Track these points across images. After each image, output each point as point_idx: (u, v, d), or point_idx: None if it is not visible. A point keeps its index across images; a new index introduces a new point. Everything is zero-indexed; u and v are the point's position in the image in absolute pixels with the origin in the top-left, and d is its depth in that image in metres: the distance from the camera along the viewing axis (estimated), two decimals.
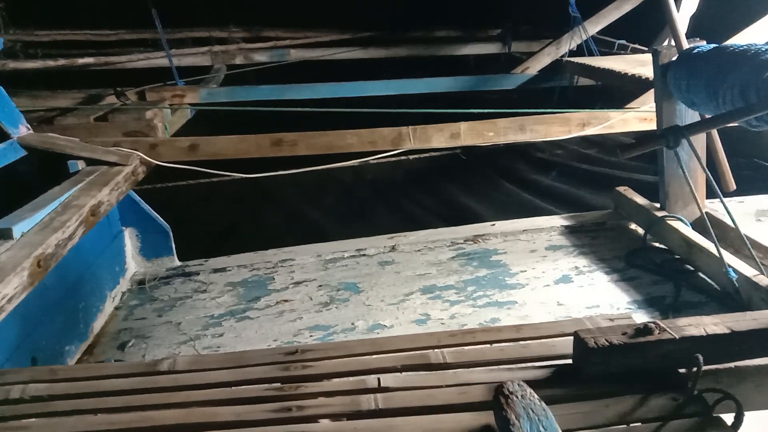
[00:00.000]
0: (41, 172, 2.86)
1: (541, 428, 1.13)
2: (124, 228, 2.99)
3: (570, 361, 1.48)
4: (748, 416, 1.27)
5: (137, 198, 3.02)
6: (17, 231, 2.09)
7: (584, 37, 5.64)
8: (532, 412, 1.14)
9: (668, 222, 2.76)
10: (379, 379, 1.47)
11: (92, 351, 2.40)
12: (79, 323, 2.41)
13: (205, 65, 6.34)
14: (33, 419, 1.43)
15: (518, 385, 1.18)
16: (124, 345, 2.39)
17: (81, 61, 5.83)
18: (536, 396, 1.16)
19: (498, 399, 1.17)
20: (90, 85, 5.13)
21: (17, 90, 4.25)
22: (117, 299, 2.74)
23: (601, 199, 4.24)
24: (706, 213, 2.51)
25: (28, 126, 2.91)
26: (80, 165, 2.86)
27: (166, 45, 5.60)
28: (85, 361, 2.33)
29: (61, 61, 5.74)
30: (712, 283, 2.48)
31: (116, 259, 2.87)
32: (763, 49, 2.16)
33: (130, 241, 3.00)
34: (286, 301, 2.62)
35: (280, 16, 7.04)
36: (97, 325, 2.53)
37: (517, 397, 1.16)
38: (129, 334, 2.47)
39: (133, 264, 3.01)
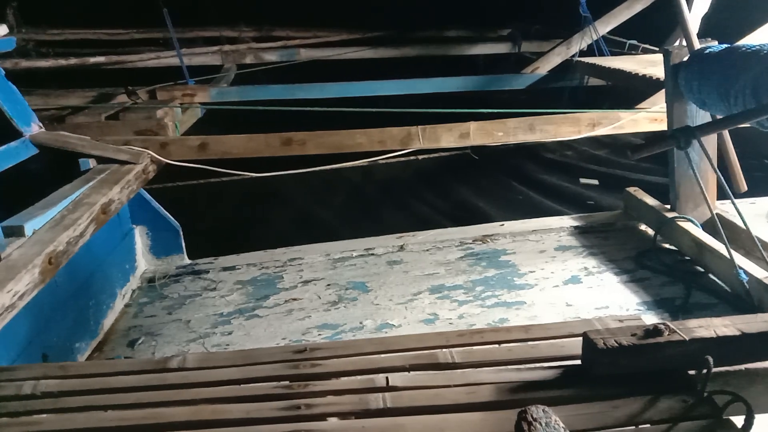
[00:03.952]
0: (53, 170, 2.88)
1: None
2: (134, 226, 3.00)
3: (579, 362, 1.48)
4: (759, 419, 1.26)
5: (148, 196, 3.04)
6: (29, 228, 2.11)
7: (595, 37, 5.62)
8: None
9: (678, 223, 2.75)
10: (387, 378, 1.47)
11: (102, 348, 2.42)
12: (89, 320, 2.43)
13: (215, 65, 6.36)
14: (44, 415, 1.44)
15: (543, 411, 1.15)
16: (134, 342, 2.41)
17: (92, 60, 5.86)
18: (561, 424, 1.13)
19: (520, 425, 1.15)
20: (101, 84, 5.17)
21: (30, 89, 4.29)
22: (127, 297, 2.76)
23: (611, 200, 4.23)
24: (717, 214, 2.50)
25: (40, 124, 2.94)
26: (91, 163, 2.88)
27: (176, 44, 5.63)
28: (95, 358, 2.35)
29: (73, 60, 5.78)
30: (723, 284, 2.46)
31: (127, 257, 2.88)
32: None
33: (140, 239, 3.02)
34: (294, 299, 2.63)
35: (291, 16, 7.05)
36: (108, 322, 2.55)
37: (540, 424, 1.13)
38: (139, 332, 2.48)
39: (144, 262, 3.02)
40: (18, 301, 1.79)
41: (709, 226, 2.66)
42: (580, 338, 1.46)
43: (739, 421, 1.26)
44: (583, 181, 4.94)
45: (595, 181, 4.92)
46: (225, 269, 2.95)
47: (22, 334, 2.00)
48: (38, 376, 1.58)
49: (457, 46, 7.07)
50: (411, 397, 1.41)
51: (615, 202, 3.89)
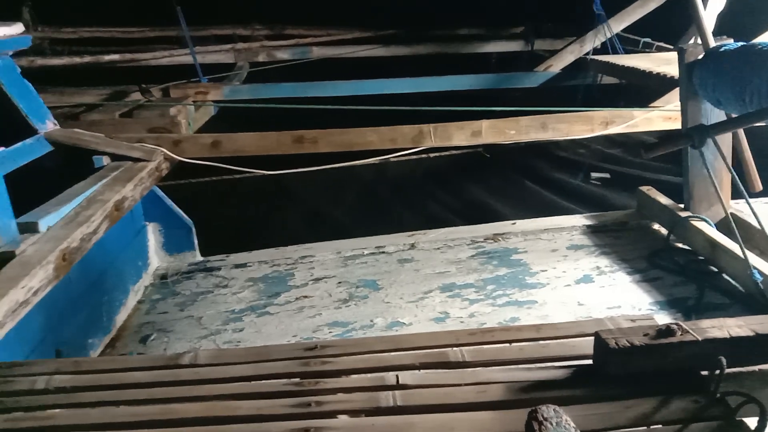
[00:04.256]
0: (67, 167, 2.91)
1: None
2: (147, 223, 3.02)
3: (590, 361, 1.47)
4: None
5: (161, 193, 3.06)
6: (43, 225, 2.13)
7: (608, 35, 5.57)
8: None
9: (692, 222, 2.73)
10: (397, 376, 1.47)
11: (115, 344, 2.43)
12: (102, 316, 2.45)
13: (228, 63, 6.38)
14: (57, 410, 1.46)
15: (554, 410, 1.15)
16: (146, 338, 2.42)
17: (107, 57, 5.89)
18: (572, 423, 1.13)
19: (531, 425, 1.15)
20: (115, 82, 5.19)
21: (44, 86, 4.32)
22: (140, 293, 2.78)
23: (624, 199, 4.20)
24: (731, 214, 2.48)
25: (55, 122, 2.96)
26: (105, 160, 2.90)
27: (190, 42, 5.64)
28: (108, 353, 2.36)
29: (87, 58, 5.81)
30: (736, 284, 2.44)
31: (139, 254, 2.90)
32: None
33: (153, 236, 3.03)
34: (305, 297, 2.64)
35: (303, 14, 7.06)
36: (120, 318, 2.57)
37: (551, 424, 1.12)
38: (151, 328, 2.50)
39: (156, 259, 3.04)
40: (32, 297, 1.81)
41: (723, 226, 2.63)
42: (592, 338, 1.45)
43: (752, 422, 1.25)
44: (594, 175, 4.93)
45: (607, 174, 4.91)
46: (237, 266, 2.96)
47: (36, 330, 2.02)
48: (51, 372, 1.60)
49: (469, 43, 7.04)
50: (421, 395, 1.41)
51: (628, 201, 3.87)
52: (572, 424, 1.13)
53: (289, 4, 7.07)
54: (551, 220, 3.24)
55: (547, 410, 1.15)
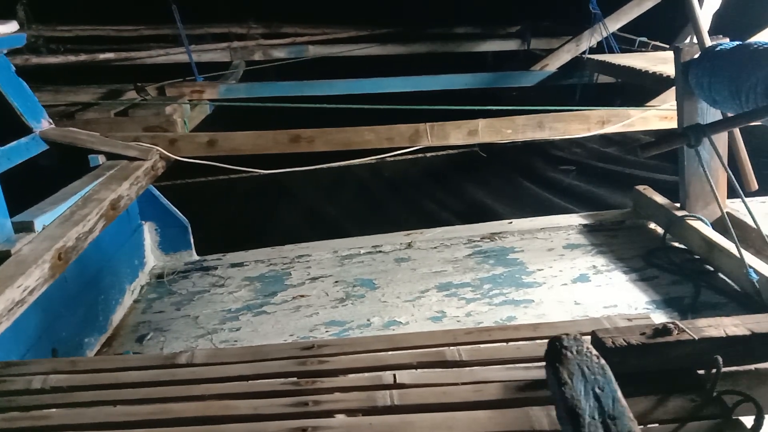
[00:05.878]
0: (62, 166, 2.90)
1: (597, 389, 1.03)
2: (143, 222, 3.02)
3: None
4: None
5: (156, 192, 3.05)
6: (39, 224, 2.12)
7: (605, 34, 5.58)
8: (588, 369, 1.04)
9: (688, 221, 2.73)
10: (394, 375, 1.47)
11: (111, 343, 2.43)
12: (98, 316, 2.44)
13: (224, 61, 6.38)
14: (53, 410, 1.45)
15: (574, 339, 1.10)
16: (142, 338, 2.42)
17: (102, 56, 5.87)
18: (594, 352, 1.06)
19: (550, 354, 1.09)
20: (110, 81, 5.18)
21: (40, 85, 4.31)
22: (136, 292, 2.77)
23: (620, 198, 4.22)
24: (727, 213, 2.48)
25: (50, 120, 2.95)
26: (101, 159, 2.89)
27: (185, 41, 5.63)
28: (104, 353, 2.36)
29: (83, 57, 5.79)
30: (732, 284, 2.44)
31: (135, 253, 2.90)
32: None
33: (149, 235, 3.03)
34: (302, 296, 2.63)
35: (299, 13, 7.06)
36: (117, 317, 2.57)
37: (571, 352, 1.06)
38: (147, 327, 2.50)
39: (152, 258, 3.04)
40: (28, 297, 1.80)
41: (719, 225, 2.64)
42: (589, 337, 1.45)
43: (748, 421, 1.25)
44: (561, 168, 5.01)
45: (572, 167, 4.99)
46: (233, 265, 2.95)
47: (32, 329, 2.01)
48: (48, 371, 1.59)
49: (466, 42, 7.05)
50: (418, 394, 1.41)
51: (624, 200, 3.87)
52: (594, 352, 1.07)
53: (286, 2, 7.06)
54: (548, 219, 3.24)
55: (567, 339, 1.11)
